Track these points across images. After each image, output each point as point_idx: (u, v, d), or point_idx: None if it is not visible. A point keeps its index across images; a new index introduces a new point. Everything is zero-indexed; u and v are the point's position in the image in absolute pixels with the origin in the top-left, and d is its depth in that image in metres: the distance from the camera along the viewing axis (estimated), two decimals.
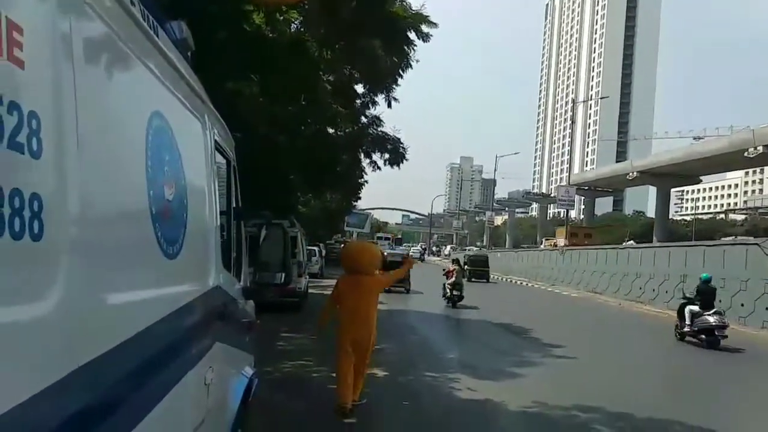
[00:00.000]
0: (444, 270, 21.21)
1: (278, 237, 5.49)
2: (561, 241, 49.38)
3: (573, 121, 48.22)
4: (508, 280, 37.96)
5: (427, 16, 8.89)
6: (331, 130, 16.04)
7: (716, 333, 12.35)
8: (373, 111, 15.52)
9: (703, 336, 12.55)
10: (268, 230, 4.61)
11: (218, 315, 2.74)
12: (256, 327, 4.23)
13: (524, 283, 34.74)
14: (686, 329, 12.98)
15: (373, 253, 6.75)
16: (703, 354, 12.31)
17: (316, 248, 30.44)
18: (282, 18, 8.16)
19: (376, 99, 14.57)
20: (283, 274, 5.35)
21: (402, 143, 15.99)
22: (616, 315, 20.09)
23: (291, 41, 8.37)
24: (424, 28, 8.96)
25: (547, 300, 24.86)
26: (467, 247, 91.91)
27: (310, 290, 18.95)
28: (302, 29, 8.95)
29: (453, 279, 18.73)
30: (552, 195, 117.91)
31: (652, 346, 13.60)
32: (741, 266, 17.06)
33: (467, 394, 7.60)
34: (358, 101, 14.64)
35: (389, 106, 13.09)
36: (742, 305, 16.78)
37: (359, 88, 14.30)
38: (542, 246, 57.71)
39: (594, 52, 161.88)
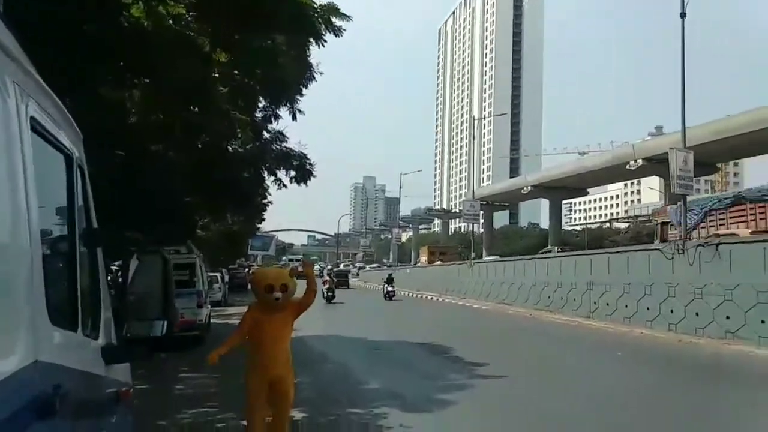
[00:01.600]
0: (325, 283, 29.59)
1: (156, 269, 3.00)
2: (423, 259, 61.54)
3: (474, 137, 49.55)
4: (419, 295, 37.68)
5: (338, 8, 8.04)
6: (230, 148, 14.80)
7: None
8: (275, 126, 14.49)
9: None
10: (142, 260, 2.68)
11: (34, 414, 1.59)
12: (130, 394, 3.06)
13: (435, 298, 34.55)
14: None
15: (290, 280, 5.57)
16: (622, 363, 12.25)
17: (218, 274, 28.54)
18: (165, 11, 6.99)
19: (279, 112, 13.57)
20: (164, 323, 2.98)
21: (308, 159, 15.07)
22: (529, 326, 20.07)
23: (176, 36, 7.18)
24: (336, 21, 8.11)
25: (460, 314, 24.62)
26: (372, 266, 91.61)
27: (212, 320, 17.39)
28: (191, 23, 7.78)
29: (327, 286, 29.86)
30: (453, 210, 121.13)
31: (574, 357, 13.41)
32: (644, 271, 17.55)
33: None
34: (259, 114, 13.55)
35: (294, 118, 12.11)
36: (648, 309, 17.22)
37: (260, 102, 13.26)
38: (418, 263, 63.04)
39: (485, 75, 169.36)
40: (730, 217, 21.24)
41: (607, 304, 19.31)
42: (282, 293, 5.40)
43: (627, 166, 55.72)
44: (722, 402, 8.83)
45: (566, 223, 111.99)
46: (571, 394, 9.16)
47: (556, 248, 44.35)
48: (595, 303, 20.02)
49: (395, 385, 9.71)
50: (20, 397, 1.49)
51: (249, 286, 6.02)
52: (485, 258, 45.91)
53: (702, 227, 22.27)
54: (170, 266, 2.95)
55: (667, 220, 28.97)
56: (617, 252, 20.63)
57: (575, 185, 70.21)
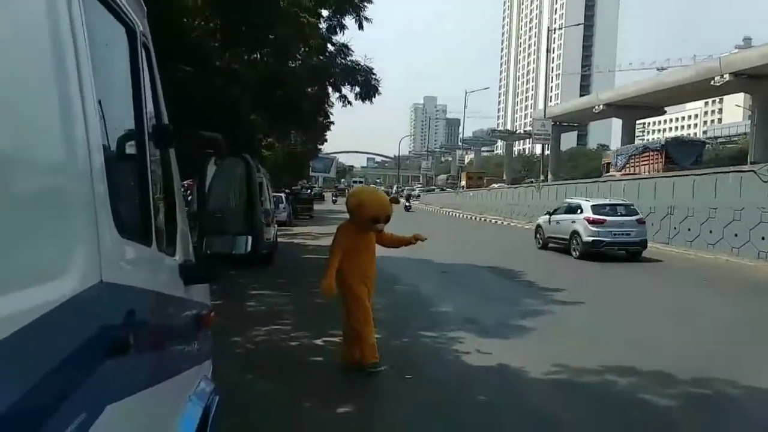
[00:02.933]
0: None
1: (238, 177, 2.47)
2: (464, 183, 64.85)
3: (548, 51, 46.36)
4: (483, 218, 37.14)
5: None
6: (295, 63, 14.24)
7: None
8: (341, 37, 13.75)
9: None
10: (221, 166, 2.28)
11: (106, 348, 1.25)
12: (211, 318, 2.72)
13: (500, 222, 33.94)
14: None
15: (389, 206, 5.99)
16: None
17: (282, 194, 28.78)
18: None
19: (344, 22, 12.83)
20: (250, 239, 2.53)
21: (374, 74, 14.35)
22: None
23: None
24: None
25: (528, 239, 24.01)
26: (433, 187, 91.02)
27: (279, 239, 17.58)
28: None
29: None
30: (517, 131, 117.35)
31: (653, 282, 12.72)
32: (735, 195, 16.26)
33: (477, 358, 6.42)
34: (323, 24, 12.84)
35: (360, 27, 11.40)
36: (736, 235, 16.08)
37: (324, 12, 12.52)
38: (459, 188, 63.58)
39: None
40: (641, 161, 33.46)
41: (689, 230, 18.21)
42: (385, 223, 5.83)
43: (712, 82, 51.43)
44: None
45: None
46: (652, 320, 8.63)
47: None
48: (675, 228, 18.92)
49: (468, 310, 9.42)
50: (83, 326, 1.19)
51: (347, 208, 6.02)
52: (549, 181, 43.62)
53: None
54: (254, 172, 2.53)
55: (608, 161, 40.99)
56: (704, 174, 19.19)
57: (652, 103, 65.82)
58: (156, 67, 2.04)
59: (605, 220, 15.96)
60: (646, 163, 34.08)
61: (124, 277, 1.42)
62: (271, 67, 11.60)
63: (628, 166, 35.90)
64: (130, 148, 1.74)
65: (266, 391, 5.41)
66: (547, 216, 18.52)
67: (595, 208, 16.45)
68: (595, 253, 15.80)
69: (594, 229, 15.89)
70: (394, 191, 71.59)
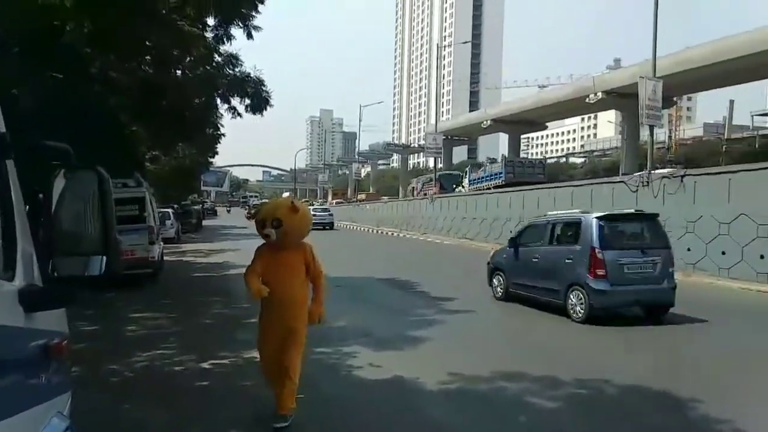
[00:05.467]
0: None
1: (89, 190, 2.05)
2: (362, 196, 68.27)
3: (438, 67, 47.95)
4: (380, 231, 37.49)
5: None
6: (179, 73, 13.60)
7: None
8: (228, 47, 13.33)
9: None
10: (70, 179, 1.93)
11: None
12: (65, 347, 2.39)
13: (395, 234, 34.42)
14: None
15: (303, 215, 4.96)
16: None
17: (169, 210, 27.45)
18: None
19: (232, 32, 12.43)
20: (104, 259, 2.12)
21: (265, 86, 14.04)
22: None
23: None
24: None
25: (422, 249, 24.50)
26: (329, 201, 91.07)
27: (166, 257, 16.67)
28: None
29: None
30: (412, 145, 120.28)
31: None
32: (608, 204, 17.53)
33: (371, 372, 6.34)
34: (209, 34, 12.37)
35: (249, 36, 11.06)
36: None
37: (210, 19, 12.07)
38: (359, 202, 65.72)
39: (446, 2, 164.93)
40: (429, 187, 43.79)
41: None
42: (274, 229, 4.75)
43: (587, 99, 55.59)
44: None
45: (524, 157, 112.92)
46: (538, 324, 8.99)
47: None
48: None
49: (362, 322, 9.36)
50: None
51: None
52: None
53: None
54: (108, 186, 2.14)
55: (413, 186, 52.04)
56: (580, 185, 20.58)
57: (534, 119, 70.13)
58: None
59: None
60: (430, 188, 43.40)
61: None
62: (152, 76, 10.98)
63: (423, 190, 46.17)
64: None
65: (145, 418, 5.00)
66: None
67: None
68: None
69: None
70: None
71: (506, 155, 50.57)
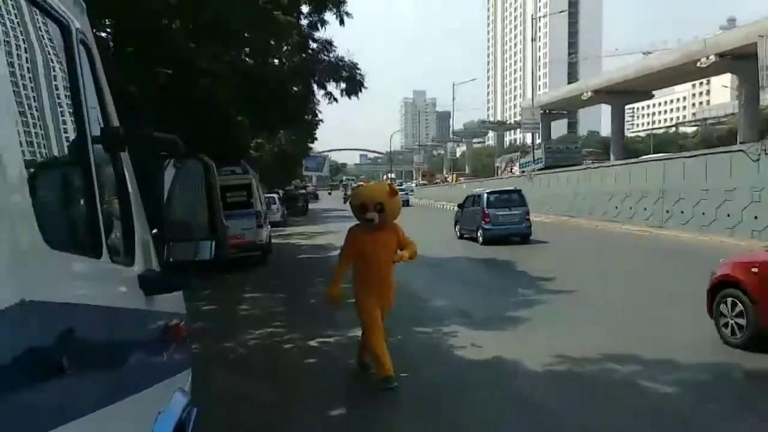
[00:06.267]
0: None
1: (197, 179, 2.16)
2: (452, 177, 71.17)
3: (534, 39, 46.24)
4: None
5: None
6: (277, 61, 14.08)
7: None
8: (322, 34, 13.60)
9: None
10: (179, 168, 2.01)
11: (31, 373, 1.13)
12: (183, 328, 2.55)
13: None
14: None
15: (398, 199, 5.45)
16: None
17: (275, 195, 28.63)
18: None
19: (325, 17, 12.67)
20: (213, 244, 2.23)
21: (359, 69, 14.21)
22: (597, 237, 19.26)
23: None
24: None
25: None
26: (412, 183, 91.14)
27: (273, 240, 17.47)
28: None
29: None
30: (508, 122, 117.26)
31: (648, 267, 12.66)
32: (725, 175, 16.23)
33: (473, 352, 6.33)
34: (303, 22, 12.68)
35: (341, 22, 11.23)
36: (728, 216, 16.05)
37: (304, 7, 12.36)
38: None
39: None
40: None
41: (682, 212, 18.17)
42: (377, 213, 5.16)
43: (698, 64, 51.50)
44: None
45: (628, 129, 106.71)
46: (647, 308, 8.52)
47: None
48: (668, 212, 18.88)
49: (461, 302, 9.36)
50: None
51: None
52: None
53: None
54: (213, 173, 2.27)
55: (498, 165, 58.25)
56: (694, 156, 19.14)
57: (639, 88, 65.91)
58: (99, 67, 1.90)
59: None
60: (513, 166, 53.20)
61: (57, 294, 1.28)
62: (252, 66, 11.45)
63: (506, 168, 55.51)
64: (69, 153, 1.62)
65: (259, 393, 5.32)
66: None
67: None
68: None
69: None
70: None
71: (545, 142, 59.40)
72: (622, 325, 7.40)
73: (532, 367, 5.66)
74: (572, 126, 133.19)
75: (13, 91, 1.20)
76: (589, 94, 69.41)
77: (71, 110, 1.60)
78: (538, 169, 38.67)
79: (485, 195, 18.35)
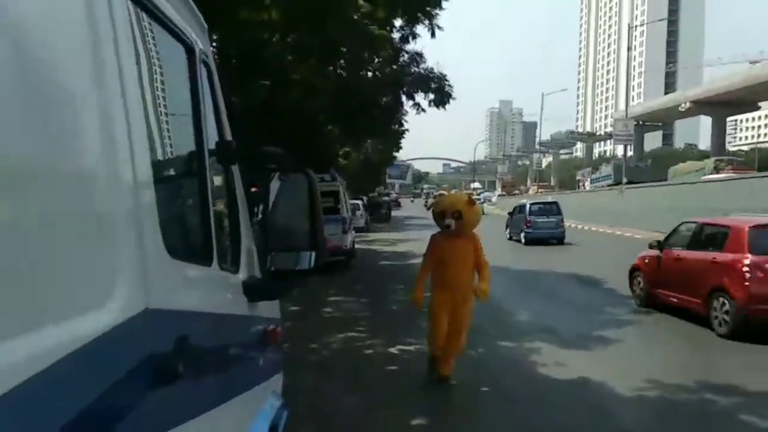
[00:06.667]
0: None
1: (301, 192, 2.25)
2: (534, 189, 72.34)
3: (629, 48, 44.40)
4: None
5: None
6: (369, 73, 14.41)
7: None
8: (413, 46, 13.79)
9: None
10: (284, 181, 2.13)
11: (150, 379, 1.20)
12: (279, 333, 2.68)
13: (579, 227, 32.76)
14: None
15: (477, 209, 5.92)
16: None
17: (359, 201, 29.16)
18: None
19: (416, 31, 12.84)
20: (313, 254, 2.24)
21: (447, 81, 14.29)
22: None
23: None
24: None
25: (609, 244, 23.04)
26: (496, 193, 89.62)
27: (356, 246, 17.80)
28: None
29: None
30: (597, 133, 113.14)
31: None
32: None
33: (558, 371, 6.19)
34: (396, 35, 12.91)
35: (433, 35, 11.34)
36: None
37: (397, 22, 12.60)
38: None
39: None
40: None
41: None
42: (454, 220, 5.54)
43: None
44: None
45: (730, 143, 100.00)
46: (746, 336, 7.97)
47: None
48: None
49: (546, 318, 9.16)
50: (122, 359, 1.10)
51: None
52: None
53: None
54: (317, 187, 2.36)
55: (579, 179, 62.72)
56: None
57: (744, 99, 61.68)
58: (218, 85, 2.04)
59: None
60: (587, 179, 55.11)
61: (174, 302, 1.36)
62: (345, 78, 11.80)
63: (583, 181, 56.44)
64: (188, 165, 1.75)
65: (341, 398, 5.46)
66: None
67: None
68: None
69: None
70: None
71: (617, 160, 59.59)
72: (720, 353, 6.99)
73: (621, 390, 5.47)
74: (667, 138, 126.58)
75: (144, 106, 1.30)
76: (688, 104, 65.68)
77: (192, 124, 1.72)
78: (607, 185, 41.89)
79: (528, 205, 23.12)
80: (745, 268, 7.54)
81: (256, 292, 2.12)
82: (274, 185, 2.39)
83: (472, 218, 5.69)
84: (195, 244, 1.72)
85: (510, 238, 23.82)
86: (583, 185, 60.91)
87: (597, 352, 7.06)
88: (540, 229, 22.05)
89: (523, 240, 22.28)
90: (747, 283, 7.46)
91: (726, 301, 7.60)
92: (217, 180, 1.99)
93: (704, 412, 5.01)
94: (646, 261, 9.94)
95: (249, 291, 2.06)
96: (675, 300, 8.88)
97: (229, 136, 2.08)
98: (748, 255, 7.59)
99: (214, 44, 10.32)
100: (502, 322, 8.71)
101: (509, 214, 24.20)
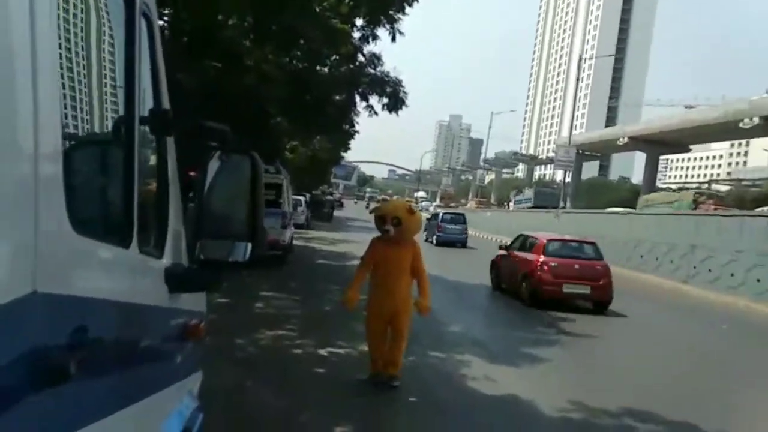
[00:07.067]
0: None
1: (242, 175, 1.95)
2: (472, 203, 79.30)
3: (578, 79, 45.91)
4: (495, 239, 36.73)
5: None
6: (325, 69, 14.19)
7: None
8: (373, 47, 13.69)
9: None
10: (225, 161, 1.85)
11: (31, 378, 0.95)
12: (202, 329, 2.31)
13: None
14: None
15: (418, 217, 5.96)
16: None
17: (302, 198, 28.73)
18: None
19: (377, 32, 12.74)
20: (249, 246, 1.86)
21: (403, 86, 14.29)
22: (618, 284, 18.83)
23: None
24: None
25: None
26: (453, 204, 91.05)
27: (295, 242, 17.48)
28: None
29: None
30: (539, 157, 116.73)
31: (670, 323, 12.35)
32: (762, 239, 15.80)
33: (486, 385, 6.17)
34: (356, 34, 12.77)
35: (393, 39, 11.27)
36: (758, 281, 15.62)
37: (358, 21, 12.46)
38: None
39: (591, 14, 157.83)
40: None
41: (710, 270, 17.74)
42: (393, 227, 5.54)
43: (740, 124, 50.83)
44: None
45: (660, 180, 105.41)
46: (669, 364, 8.28)
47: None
48: (695, 267, 18.47)
49: (478, 332, 9.23)
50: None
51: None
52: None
53: None
54: (261, 173, 2.07)
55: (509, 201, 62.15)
56: (730, 216, 18.74)
57: (677, 140, 65.23)
58: (159, 44, 1.78)
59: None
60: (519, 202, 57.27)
61: (75, 286, 1.14)
62: (302, 70, 11.54)
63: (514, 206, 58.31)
64: (112, 132, 1.51)
65: (264, 400, 5.22)
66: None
67: None
68: None
69: None
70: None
71: (536, 186, 69.53)
72: (643, 380, 7.17)
73: (548, 411, 5.48)
74: (603, 169, 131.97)
75: (63, 56, 1.09)
76: (626, 139, 68.82)
77: (122, 85, 1.48)
78: (527, 207, 48.43)
79: (441, 214, 30.42)
80: (540, 264, 11.83)
81: (180, 282, 1.85)
82: (213, 165, 2.09)
83: (411, 226, 5.73)
84: (111, 221, 1.48)
85: (426, 240, 27.21)
86: (508, 205, 66.08)
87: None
88: (448, 234, 27.70)
89: (434, 241, 27.42)
90: (538, 273, 11.77)
91: (526, 284, 11.97)
92: (148, 152, 1.74)
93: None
94: (499, 258, 14.03)
95: (172, 280, 1.80)
96: (509, 285, 13.12)
97: (166, 105, 1.83)
98: (542, 256, 12.00)
99: (165, 17, 9.86)
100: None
101: (427, 219, 27.01)
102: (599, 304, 11.91)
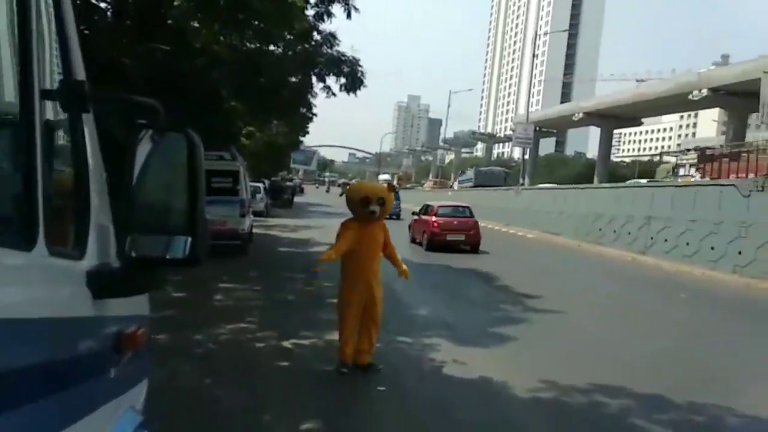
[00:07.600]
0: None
1: (178, 158, 1.44)
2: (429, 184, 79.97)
3: (534, 56, 46.24)
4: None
5: None
6: (279, 49, 13.71)
7: None
8: (327, 26, 13.28)
9: None
10: (158, 142, 1.62)
11: None
12: (141, 336, 1.94)
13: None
14: None
15: (391, 198, 5.91)
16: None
17: (260, 185, 28.15)
18: None
19: (332, 9, 12.35)
20: (188, 240, 1.43)
21: (361, 66, 13.93)
22: (579, 258, 19.20)
23: None
24: None
25: (504, 241, 23.83)
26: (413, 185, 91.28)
27: (254, 230, 17.08)
28: None
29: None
30: (497, 135, 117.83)
31: (632, 294, 12.53)
32: (714, 208, 16.21)
33: (456, 369, 6.05)
34: (310, 11, 12.34)
35: (348, 16, 10.94)
36: (712, 249, 16.04)
37: None
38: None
39: None
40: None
41: (666, 241, 18.16)
42: (379, 207, 5.55)
43: (690, 96, 52.12)
44: None
45: (614, 154, 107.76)
46: (634, 336, 8.33)
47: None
48: (652, 238, 18.88)
49: (445, 313, 9.11)
50: None
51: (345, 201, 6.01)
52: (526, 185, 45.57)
53: None
54: (200, 154, 1.52)
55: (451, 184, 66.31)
56: (684, 186, 19.18)
57: (630, 114, 66.68)
58: (68, 7, 1.48)
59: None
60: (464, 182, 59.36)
61: None
62: (253, 51, 11.08)
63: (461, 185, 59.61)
64: (5, 108, 1.27)
65: (224, 397, 4.96)
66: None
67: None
68: None
69: None
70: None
71: (477, 166, 69.46)
72: (610, 354, 7.19)
73: (519, 393, 5.39)
74: (560, 145, 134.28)
75: None
76: (581, 115, 70.01)
77: (18, 52, 1.23)
78: (469, 187, 50.17)
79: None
80: (433, 222, 18.22)
81: (106, 286, 1.57)
82: (144, 147, 1.76)
83: (390, 205, 5.80)
84: (4, 219, 1.23)
85: None
86: (452, 185, 67.85)
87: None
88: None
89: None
90: (432, 228, 18.09)
91: (426, 236, 18.18)
92: (58, 132, 1.45)
93: (596, 415, 5.04)
94: (413, 221, 20.52)
95: (95, 284, 1.52)
96: (417, 239, 19.23)
97: (81, 75, 1.52)
98: (434, 217, 18.43)
99: (108, 3, 9.29)
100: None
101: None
102: (471, 245, 18.17)
